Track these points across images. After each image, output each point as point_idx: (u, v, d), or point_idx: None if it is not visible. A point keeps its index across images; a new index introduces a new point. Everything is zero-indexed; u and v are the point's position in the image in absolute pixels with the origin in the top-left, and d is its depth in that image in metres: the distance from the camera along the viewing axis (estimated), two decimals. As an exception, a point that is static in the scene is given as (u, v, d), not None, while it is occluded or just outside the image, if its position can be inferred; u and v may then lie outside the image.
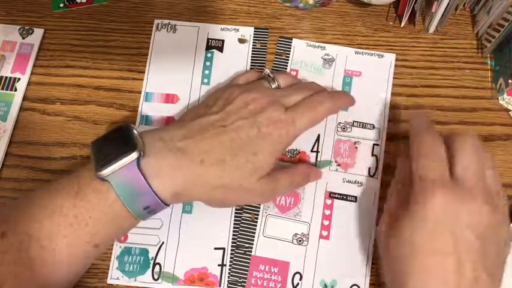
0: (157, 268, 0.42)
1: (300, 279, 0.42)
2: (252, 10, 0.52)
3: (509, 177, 0.45)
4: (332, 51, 0.50)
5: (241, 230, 0.44)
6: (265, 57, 0.49)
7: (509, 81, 0.46)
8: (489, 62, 0.49)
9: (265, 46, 0.50)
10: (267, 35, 0.50)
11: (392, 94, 0.48)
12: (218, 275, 0.42)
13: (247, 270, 0.43)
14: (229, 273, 0.42)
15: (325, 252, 0.43)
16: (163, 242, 0.43)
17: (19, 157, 0.46)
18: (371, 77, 0.48)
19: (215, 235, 0.43)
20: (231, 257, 0.43)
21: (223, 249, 0.43)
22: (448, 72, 0.49)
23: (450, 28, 0.51)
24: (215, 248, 0.43)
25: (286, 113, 0.40)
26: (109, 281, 0.42)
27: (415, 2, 0.47)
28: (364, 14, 0.51)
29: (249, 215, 0.44)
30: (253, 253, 0.43)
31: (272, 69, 0.49)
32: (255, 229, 0.44)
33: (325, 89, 0.45)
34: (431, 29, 0.50)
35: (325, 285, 0.42)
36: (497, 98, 0.48)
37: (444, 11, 0.47)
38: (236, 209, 0.44)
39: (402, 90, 0.48)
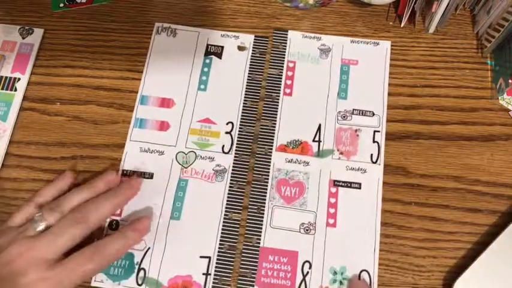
0: (141, 273, 0.42)
1: (310, 267, 0.43)
2: (252, 10, 0.52)
3: (509, 177, 0.45)
4: (328, 41, 0.50)
5: (248, 222, 0.44)
6: (263, 66, 0.49)
7: (509, 81, 0.46)
8: (489, 62, 0.49)
9: (264, 55, 0.50)
10: (266, 43, 0.50)
11: (393, 94, 0.48)
12: (202, 283, 0.42)
13: (256, 262, 0.43)
14: (240, 264, 0.43)
15: (333, 240, 0.43)
16: (149, 247, 0.43)
17: (19, 157, 0.46)
18: (368, 65, 0.49)
19: (202, 243, 0.43)
20: (227, 258, 0.43)
21: (209, 258, 0.43)
22: (448, 72, 0.49)
23: (450, 28, 0.51)
24: (201, 257, 0.43)
25: (52, 270, 0.37)
26: (93, 283, 0.42)
27: (415, 2, 0.47)
28: (364, 14, 0.51)
29: (255, 207, 0.44)
30: (261, 244, 0.43)
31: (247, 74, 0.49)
32: (262, 221, 0.44)
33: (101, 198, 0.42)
34: (431, 29, 0.50)
35: (334, 272, 0.42)
36: (497, 98, 0.48)
37: (444, 11, 0.47)
38: (225, 216, 0.44)
39: (402, 90, 0.48)
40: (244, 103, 0.48)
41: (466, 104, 0.48)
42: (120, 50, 0.50)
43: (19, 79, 0.48)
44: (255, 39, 0.50)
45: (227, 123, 0.47)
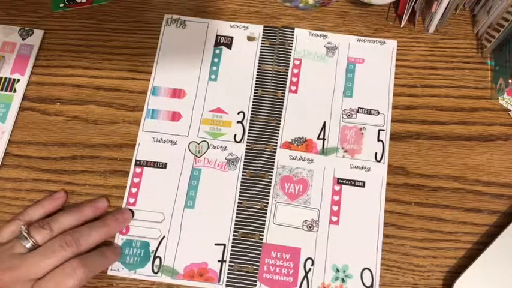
0: (157, 261, 0.43)
1: (312, 264, 0.43)
2: (252, 10, 0.52)
3: (509, 177, 0.45)
4: (334, 39, 0.50)
5: (251, 219, 0.44)
6: (273, 56, 0.49)
7: (509, 81, 0.46)
8: (489, 62, 0.49)
9: (274, 44, 0.50)
10: (276, 33, 0.50)
11: (393, 94, 0.48)
12: (218, 270, 0.42)
13: (259, 258, 0.43)
14: (237, 263, 0.43)
15: (336, 238, 0.43)
16: (164, 236, 0.43)
17: (19, 157, 0.46)
18: (374, 64, 0.49)
19: (216, 231, 0.44)
20: (241, 245, 0.43)
21: (224, 245, 0.43)
22: (448, 72, 0.49)
23: (450, 28, 0.51)
24: (216, 244, 0.43)
25: None
26: (109, 272, 0.42)
27: (415, 2, 0.47)
28: (364, 14, 0.51)
29: (258, 203, 0.44)
30: (264, 241, 0.43)
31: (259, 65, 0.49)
32: (265, 217, 0.44)
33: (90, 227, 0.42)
34: (431, 29, 0.50)
35: (337, 269, 0.43)
36: (497, 98, 0.48)
37: (444, 11, 0.47)
38: (239, 204, 0.44)
39: (402, 90, 0.48)
40: (255, 92, 0.48)
41: (466, 104, 0.48)
42: (120, 50, 0.50)
43: (18, 80, 0.48)
44: (264, 29, 0.50)
45: (238, 113, 0.47)
